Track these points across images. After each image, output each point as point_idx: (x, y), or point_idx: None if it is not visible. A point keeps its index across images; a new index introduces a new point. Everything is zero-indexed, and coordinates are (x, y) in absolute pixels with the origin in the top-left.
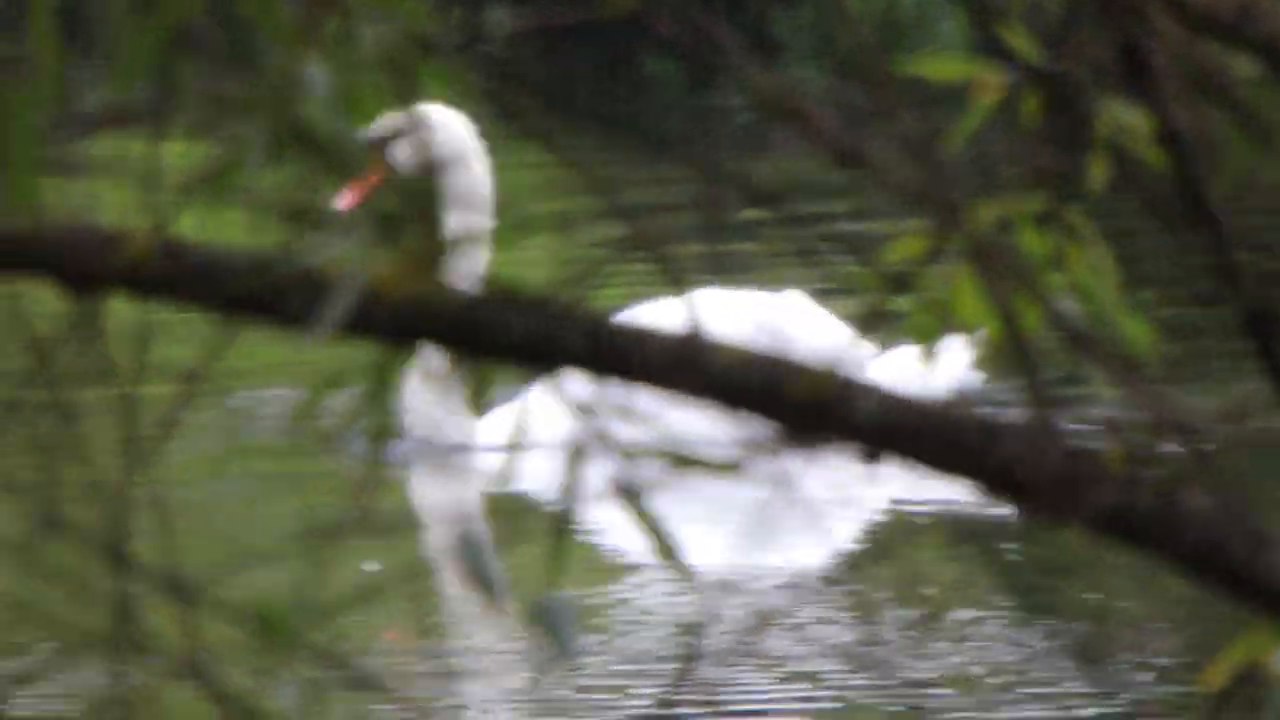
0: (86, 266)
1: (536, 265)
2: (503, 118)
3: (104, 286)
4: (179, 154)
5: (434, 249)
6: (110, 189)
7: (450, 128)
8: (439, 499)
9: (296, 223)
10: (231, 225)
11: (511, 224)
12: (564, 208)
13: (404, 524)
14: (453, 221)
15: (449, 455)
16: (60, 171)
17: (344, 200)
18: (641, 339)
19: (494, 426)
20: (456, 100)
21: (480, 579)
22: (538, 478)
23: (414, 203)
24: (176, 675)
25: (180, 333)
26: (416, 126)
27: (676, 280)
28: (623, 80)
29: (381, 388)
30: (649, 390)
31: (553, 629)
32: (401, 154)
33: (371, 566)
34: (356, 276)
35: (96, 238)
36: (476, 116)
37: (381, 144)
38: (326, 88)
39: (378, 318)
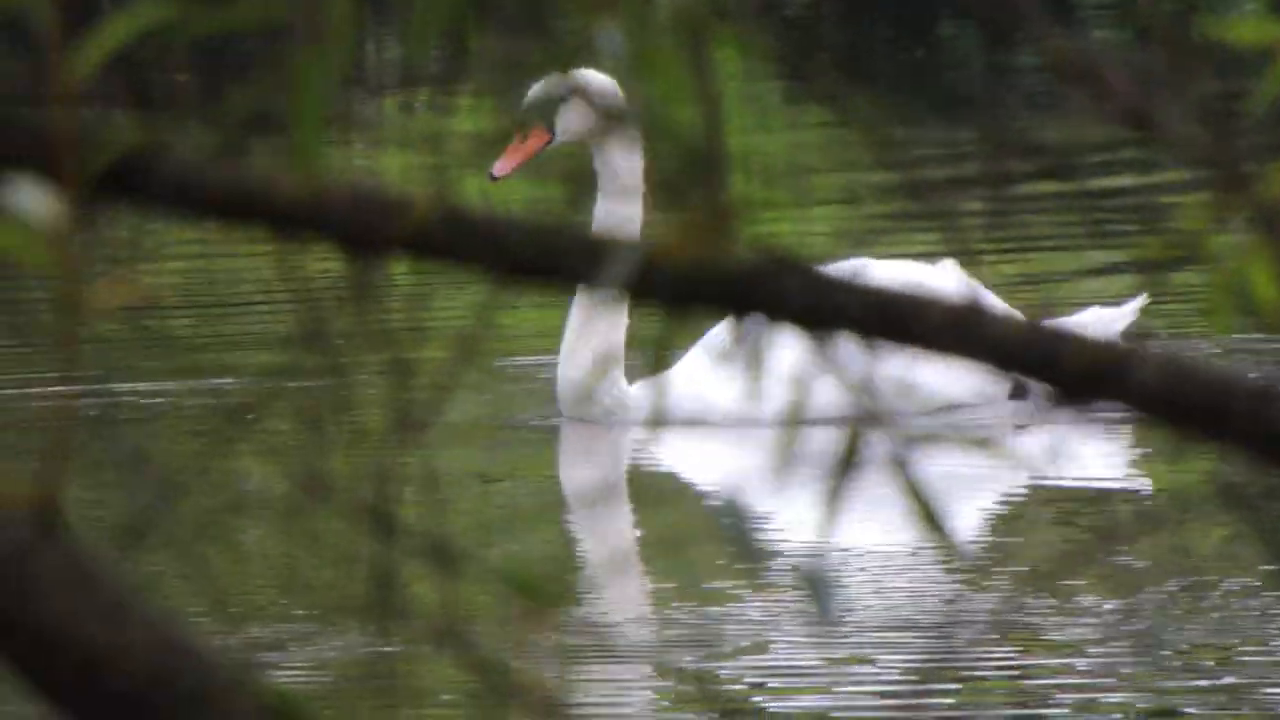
0: (369, 230)
1: (821, 230)
2: (796, 82)
3: (385, 250)
4: (467, 118)
5: (716, 213)
6: (396, 153)
7: (610, 96)
8: (689, 465)
9: (581, 187)
10: (515, 189)
11: (795, 189)
12: (852, 173)
13: (666, 490)
14: (607, 190)
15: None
16: (347, 135)
17: (501, 166)
18: (921, 305)
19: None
20: (751, 64)
21: (743, 544)
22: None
23: (696, 167)
24: (435, 643)
25: (454, 297)
26: (579, 92)
27: (959, 246)
28: (919, 44)
29: (662, 353)
30: (923, 356)
31: (816, 591)
32: (565, 121)
33: (635, 533)
34: (637, 240)
35: (380, 201)
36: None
37: (543, 109)
38: (620, 52)
39: (657, 282)
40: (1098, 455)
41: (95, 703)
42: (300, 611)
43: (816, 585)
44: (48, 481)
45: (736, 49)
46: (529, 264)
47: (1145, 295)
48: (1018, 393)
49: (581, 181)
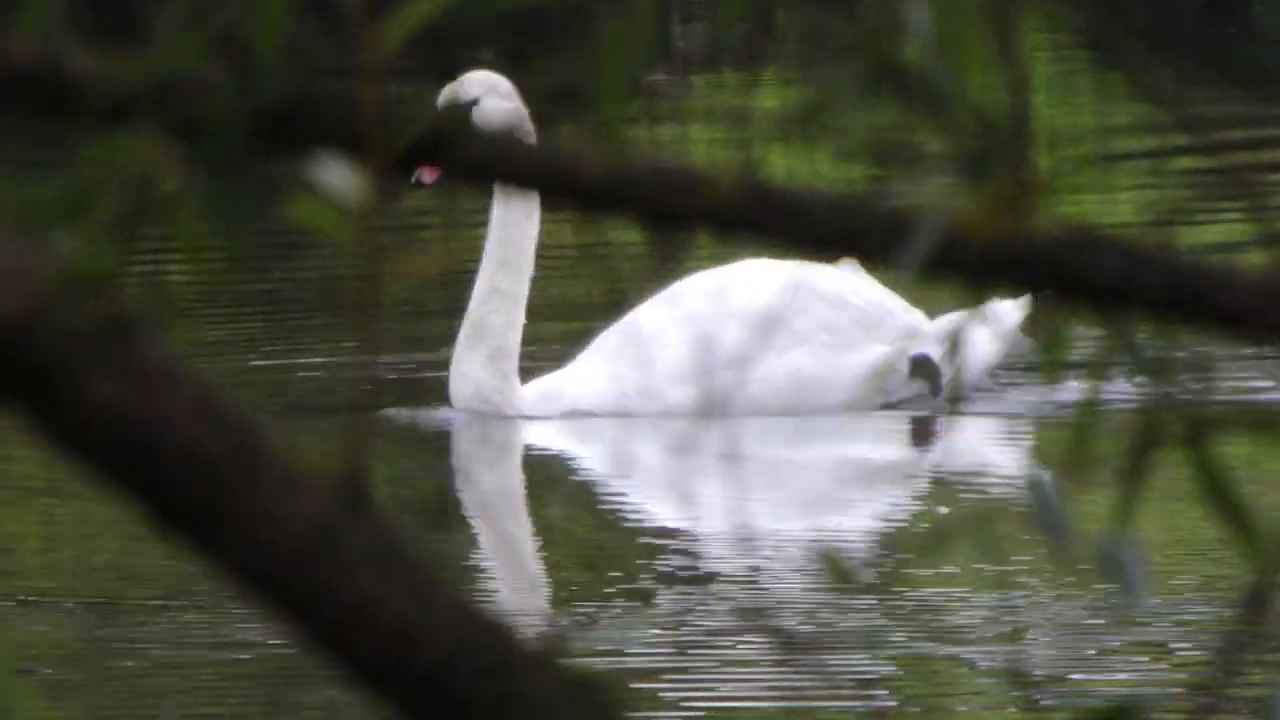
0: (672, 205)
1: (1126, 207)
2: (1104, 58)
3: (690, 225)
4: (771, 94)
5: (1020, 189)
6: (701, 128)
7: (503, 99)
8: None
9: (886, 163)
10: (820, 165)
11: (1100, 166)
12: (1159, 150)
13: (967, 470)
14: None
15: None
16: (652, 110)
17: (429, 175)
18: (1228, 276)
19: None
20: (1058, 41)
21: (1050, 524)
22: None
23: (1001, 142)
24: (742, 620)
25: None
26: (488, 94)
27: (1265, 221)
28: (1229, 19)
29: (963, 331)
30: (1229, 334)
31: (1121, 573)
32: (482, 119)
33: (941, 511)
34: (942, 216)
35: (683, 176)
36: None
37: (456, 112)
38: (927, 30)
39: (962, 258)
40: None
41: (399, 678)
42: (605, 590)
43: (1118, 568)
44: (355, 456)
45: (1044, 25)
46: (832, 238)
47: None
48: None
49: (887, 154)
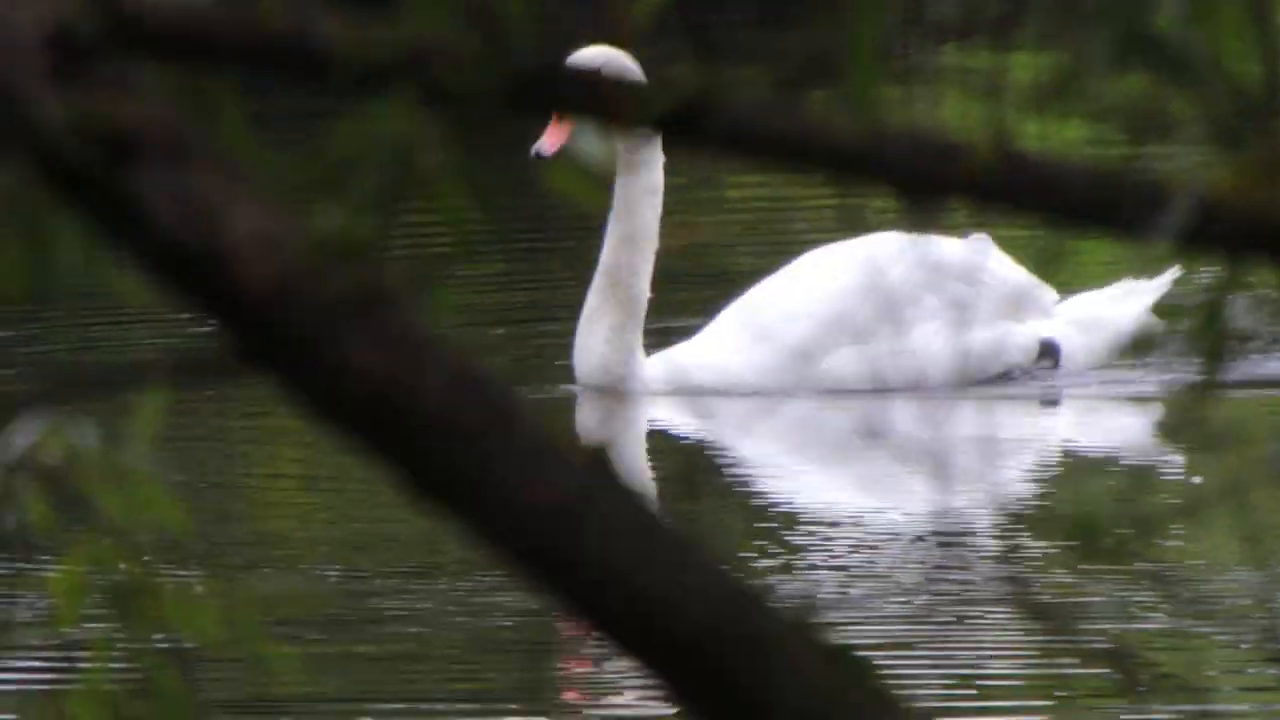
0: (926, 175)
1: None
2: None
3: (942, 195)
4: (1024, 64)
5: (1276, 158)
6: (955, 98)
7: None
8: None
9: (1139, 133)
10: (1073, 134)
11: None
12: None
13: (1233, 439)
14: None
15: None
16: (904, 80)
17: (547, 145)
18: None
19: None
20: None
21: None
22: None
23: (1255, 110)
24: (1005, 592)
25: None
26: (614, 66)
27: None
28: None
29: (1219, 301)
30: None
31: None
32: None
33: (1198, 480)
34: (1197, 186)
35: (937, 146)
36: None
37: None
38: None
39: (1218, 229)
40: None
41: (658, 644)
42: (854, 562)
43: None
44: (606, 430)
45: None
46: (1087, 209)
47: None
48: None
49: (1140, 124)
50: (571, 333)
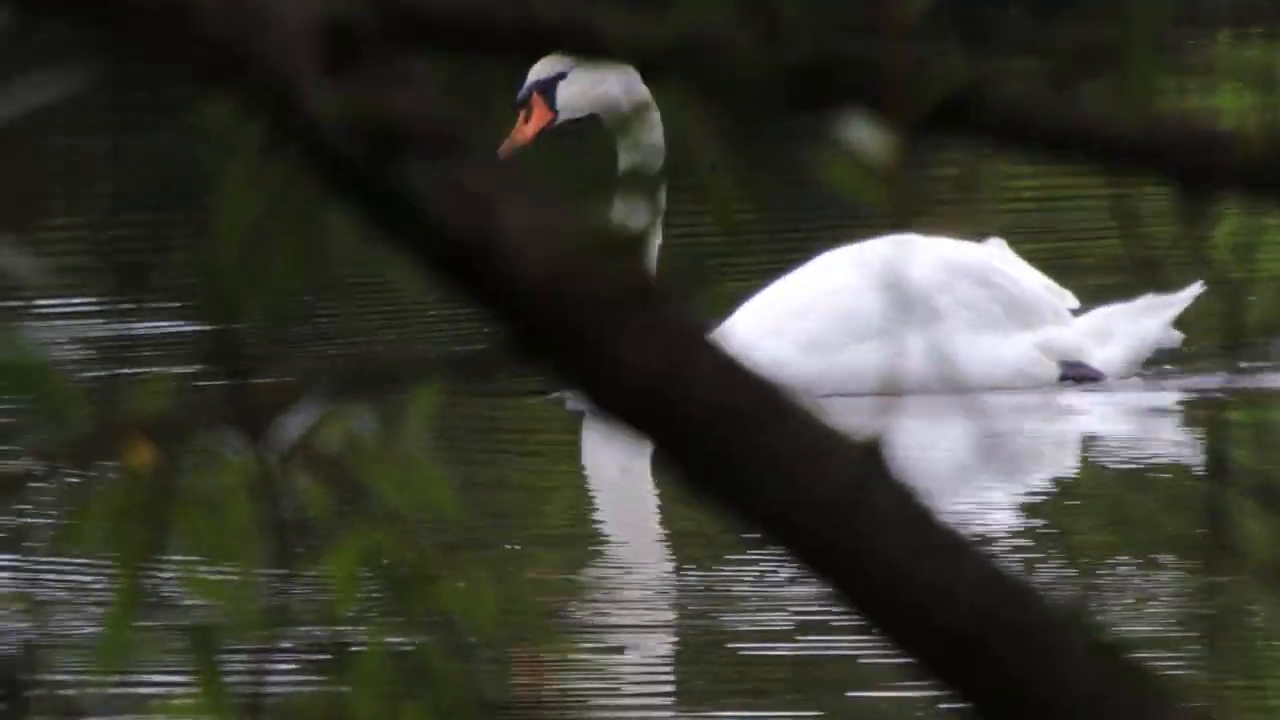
0: (1199, 165)
1: None
2: None
3: (1216, 186)
4: None
5: None
6: (1229, 88)
7: (622, 75)
8: None
9: None
10: None
11: None
12: None
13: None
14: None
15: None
16: (1179, 68)
17: (504, 149)
18: None
19: None
20: None
21: None
22: None
23: None
24: (1262, 581)
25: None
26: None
27: None
28: None
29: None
30: None
31: None
32: (564, 97)
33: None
34: None
35: (1213, 136)
36: None
37: (542, 88)
38: None
39: None
40: None
41: (931, 637)
42: (1126, 552)
43: None
44: (881, 419)
45: None
46: None
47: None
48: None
49: None
50: None
